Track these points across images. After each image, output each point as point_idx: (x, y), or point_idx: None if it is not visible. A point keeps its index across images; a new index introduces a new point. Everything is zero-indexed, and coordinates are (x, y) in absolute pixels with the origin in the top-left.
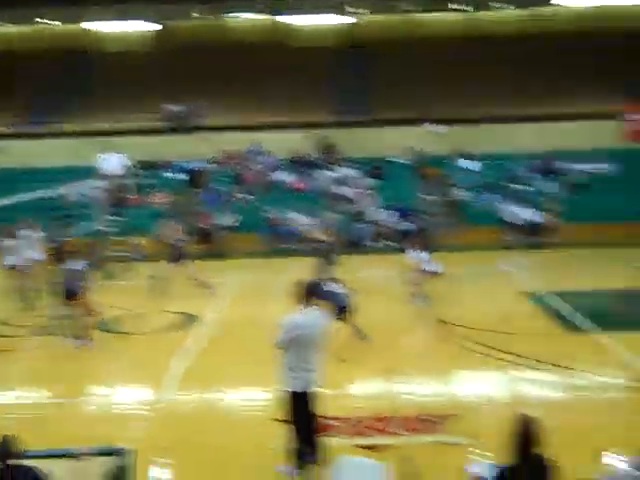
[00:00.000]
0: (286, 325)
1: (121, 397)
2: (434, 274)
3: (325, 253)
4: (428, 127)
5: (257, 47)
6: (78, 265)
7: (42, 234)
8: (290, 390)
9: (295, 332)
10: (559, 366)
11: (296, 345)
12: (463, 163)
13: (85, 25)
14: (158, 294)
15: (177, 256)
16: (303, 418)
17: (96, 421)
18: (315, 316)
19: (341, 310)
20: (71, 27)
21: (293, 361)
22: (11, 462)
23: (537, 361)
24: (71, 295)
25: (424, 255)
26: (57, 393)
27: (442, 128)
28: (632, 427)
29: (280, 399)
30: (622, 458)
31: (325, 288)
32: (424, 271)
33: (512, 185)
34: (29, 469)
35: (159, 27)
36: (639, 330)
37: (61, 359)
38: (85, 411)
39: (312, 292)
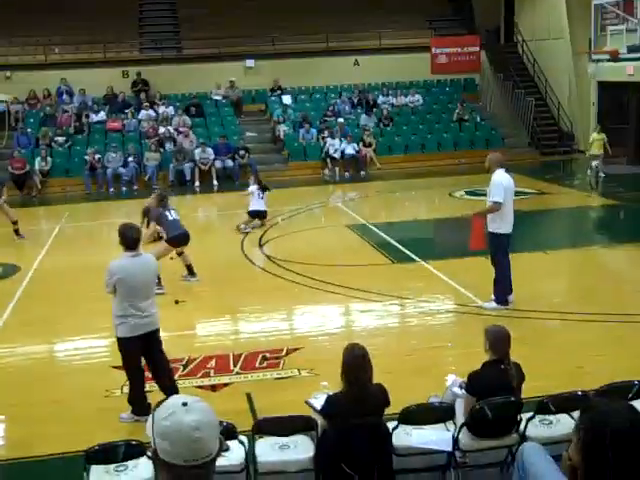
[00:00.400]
0: (110, 270)
1: None
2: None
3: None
4: (246, 62)
5: None
6: None
7: None
8: (120, 336)
9: (117, 277)
10: (389, 295)
11: (121, 290)
12: (282, 98)
13: None
14: None
15: None
16: (135, 364)
17: None
18: (139, 260)
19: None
20: None
21: (119, 307)
22: None
23: (367, 292)
24: None
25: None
26: None
27: (250, 62)
28: (469, 348)
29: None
30: (456, 379)
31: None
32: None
33: (330, 119)
34: None
35: None
36: (458, 257)
37: None
38: None
39: (132, 236)
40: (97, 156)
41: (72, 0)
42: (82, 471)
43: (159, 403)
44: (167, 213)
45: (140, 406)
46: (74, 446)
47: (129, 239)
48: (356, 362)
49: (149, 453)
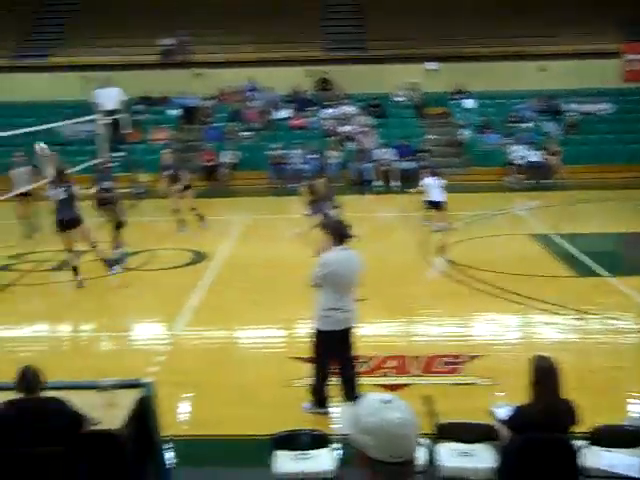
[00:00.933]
0: (325, 262)
1: (135, 332)
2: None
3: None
4: (426, 65)
5: None
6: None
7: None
8: (322, 329)
9: (331, 269)
10: (572, 309)
11: (332, 283)
12: (464, 102)
13: None
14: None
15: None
16: (326, 357)
17: (112, 355)
18: (349, 255)
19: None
20: None
21: (327, 300)
22: (35, 393)
23: (549, 304)
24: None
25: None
26: (73, 327)
27: (434, 65)
28: None
29: (310, 337)
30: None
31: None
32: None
33: (514, 125)
34: (55, 400)
35: None
36: None
37: (75, 294)
38: (100, 345)
39: (341, 231)
40: (281, 152)
41: (259, 1)
42: (267, 454)
43: (354, 399)
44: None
45: (320, 398)
46: (257, 429)
47: (340, 233)
48: (548, 374)
49: (335, 445)
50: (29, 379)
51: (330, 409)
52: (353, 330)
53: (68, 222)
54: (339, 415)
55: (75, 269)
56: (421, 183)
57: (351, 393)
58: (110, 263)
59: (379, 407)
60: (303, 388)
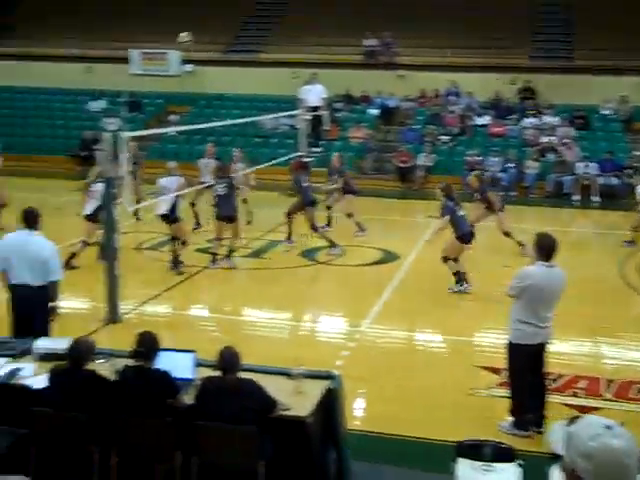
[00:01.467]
0: (523, 275)
1: (321, 324)
2: None
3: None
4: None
5: None
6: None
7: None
8: (514, 342)
9: (529, 282)
10: None
11: (529, 297)
12: None
13: None
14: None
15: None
16: (523, 372)
17: (296, 344)
18: (553, 272)
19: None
20: None
21: (522, 312)
22: (232, 373)
23: None
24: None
25: None
26: (261, 313)
27: None
28: None
29: (505, 349)
30: None
31: None
32: None
33: None
34: (251, 382)
35: None
36: None
37: (271, 281)
38: (285, 333)
39: (546, 246)
40: (478, 158)
41: (467, 7)
42: (447, 459)
43: (572, 420)
44: (457, 208)
45: (522, 420)
46: (435, 434)
47: (545, 248)
48: None
49: (519, 462)
50: (228, 360)
51: (531, 432)
52: (547, 346)
53: (225, 217)
54: (550, 432)
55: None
56: None
57: (540, 413)
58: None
59: (602, 432)
60: (487, 398)
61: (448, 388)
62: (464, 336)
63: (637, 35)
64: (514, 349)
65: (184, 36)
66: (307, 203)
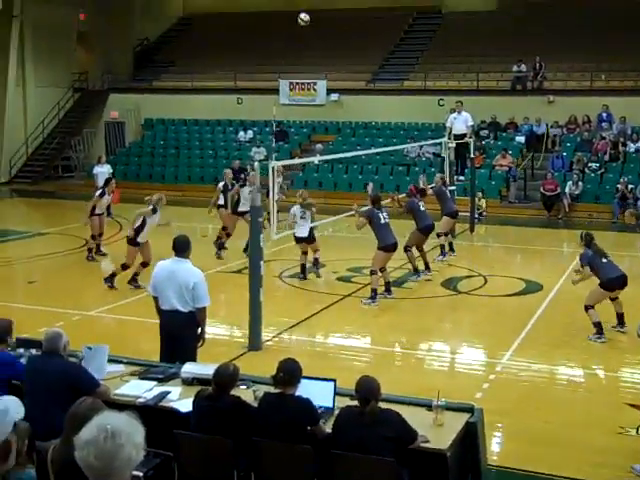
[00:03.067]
0: None
1: (461, 355)
2: None
3: None
4: None
5: (605, 4)
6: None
7: None
8: None
9: None
10: None
11: None
12: None
13: None
14: None
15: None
16: None
17: (436, 375)
18: None
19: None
20: None
21: None
22: (370, 403)
23: None
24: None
25: None
26: (400, 343)
27: None
28: None
29: None
30: None
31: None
32: None
33: None
34: (390, 412)
35: None
36: None
37: (411, 310)
38: (425, 364)
39: None
40: (630, 186)
41: (620, 26)
42: None
43: None
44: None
45: None
46: (581, 475)
47: None
48: None
49: None
50: (367, 389)
51: None
52: None
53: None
54: None
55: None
56: None
57: None
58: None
59: None
60: (638, 439)
61: (594, 426)
62: (611, 371)
63: None
64: None
65: (304, 17)
66: (421, 228)
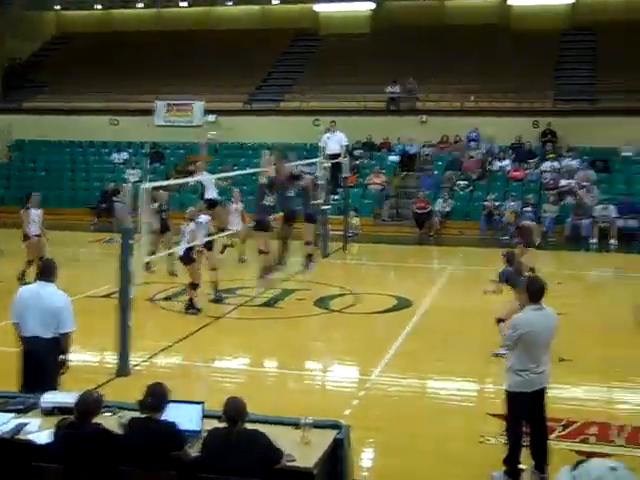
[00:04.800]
0: (515, 324)
1: (332, 372)
2: None
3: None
4: None
5: (478, 30)
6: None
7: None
8: (511, 390)
9: (522, 331)
10: None
11: (522, 344)
12: None
13: (313, 6)
14: None
15: None
16: (518, 421)
17: (306, 393)
18: (543, 315)
19: None
20: (299, 7)
21: (518, 360)
22: (238, 424)
23: None
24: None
25: None
26: (272, 363)
27: None
28: None
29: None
30: None
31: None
32: None
33: None
34: (256, 433)
35: (373, 6)
36: None
37: (280, 330)
38: (296, 383)
39: (533, 289)
40: (496, 203)
41: (489, 51)
42: None
43: (578, 462)
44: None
45: (514, 470)
46: None
47: (535, 291)
48: None
49: None
50: (233, 410)
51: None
52: (545, 392)
53: None
54: (557, 476)
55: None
56: None
57: (541, 458)
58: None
59: (605, 474)
60: (498, 446)
61: (459, 437)
62: (477, 383)
63: None
64: (513, 397)
65: (212, 133)
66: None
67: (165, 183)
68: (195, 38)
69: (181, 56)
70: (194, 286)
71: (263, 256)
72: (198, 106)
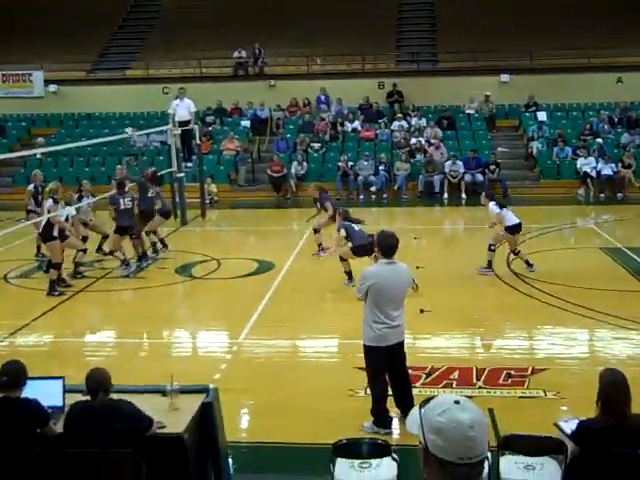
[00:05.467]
0: (364, 276)
1: (199, 339)
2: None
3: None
4: (501, 77)
5: None
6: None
7: None
8: (368, 344)
9: (370, 282)
10: None
11: (371, 296)
12: (535, 114)
13: None
14: None
15: None
16: (379, 373)
17: (174, 361)
18: (394, 269)
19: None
20: None
21: (370, 314)
22: (103, 395)
23: (621, 318)
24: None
25: (505, 210)
26: (138, 333)
27: (506, 77)
28: None
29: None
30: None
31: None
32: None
33: (588, 138)
34: (123, 402)
35: None
36: None
37: (142, 301)
38: (163, 351)
39: (389, 244)
40: (350, 163)
41: (333, 15)
42: (327, 462)
43: (426, 400)
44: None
45: (381, 418)
46: (317, 438)
47: (386, 246)
48: (617, 389)
49: (395, 455)
50: (96, 381)
51: (393, 429)
52: (402, 346)
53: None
54: (408, 416)
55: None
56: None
57: (406, 406)
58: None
59: (449, 407)
60: (367, 398)
61: (328, 392)
62: (342, 339)
63: (495, 36)
64: (369, 351)
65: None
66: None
67: (8, 156)
68: (31, 4)
69: (17, 23)
70: (55, 266)
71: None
72: (37, 76)
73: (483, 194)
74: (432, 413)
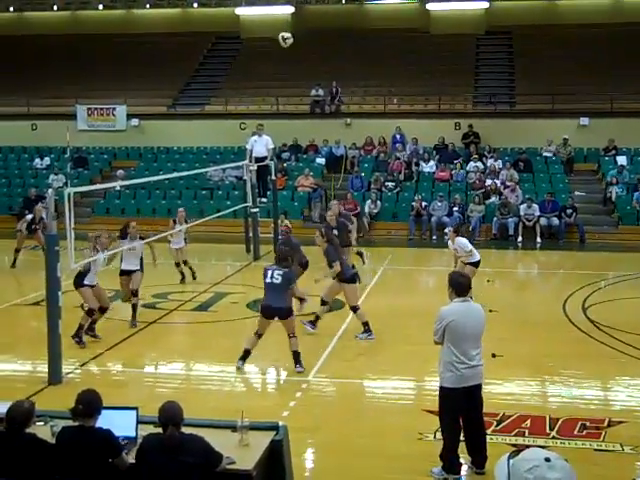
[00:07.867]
0: (440, 315)
1: (268, 374)
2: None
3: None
4: (580, 120)
5: (398, 34)
6: None
7: None
8: (444, 385)
9: (447, 321)
10: None
11: (448, 335)
12: (616, 158)
13: (235, 10)
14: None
15: None
16: (454, 416)
17: (246, 396)
18: (469, 308)
19: None
20: (220, 11)
21: (447, 354)
22: (175, 429)
23: None
24: None
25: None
26: (208, 366)
27: (585, 120)
28: None
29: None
30: None
31: None
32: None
33: None
34: (193, 437)
35: (292, 10)
36: None
37: (214, 334)
38: (233, 386)
39: (463, 283)
40: (424, 203)
41: (411, 54)
42: None
43: (516, 451)
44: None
45: (451, 464)
46: None
47: (459, 285)
48: None
49: None
50: (169, 414)
51: (462, 475)
52: (480, 389)
53: None
54: (495, 467)
55: None
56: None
57: (479, 454)
58: None
59: (539, 464)
60: (436, 442)
61: (397, 434)
62: (413, 381)
63: (574, 79)
64: (446, 394)
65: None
66: None
67: (89, 188)
68: (114, 42)
69: (101, 60)
70: (90, 312)
71: None
72: (120, 110)
73: (451, 229)
74: (521, 468)
